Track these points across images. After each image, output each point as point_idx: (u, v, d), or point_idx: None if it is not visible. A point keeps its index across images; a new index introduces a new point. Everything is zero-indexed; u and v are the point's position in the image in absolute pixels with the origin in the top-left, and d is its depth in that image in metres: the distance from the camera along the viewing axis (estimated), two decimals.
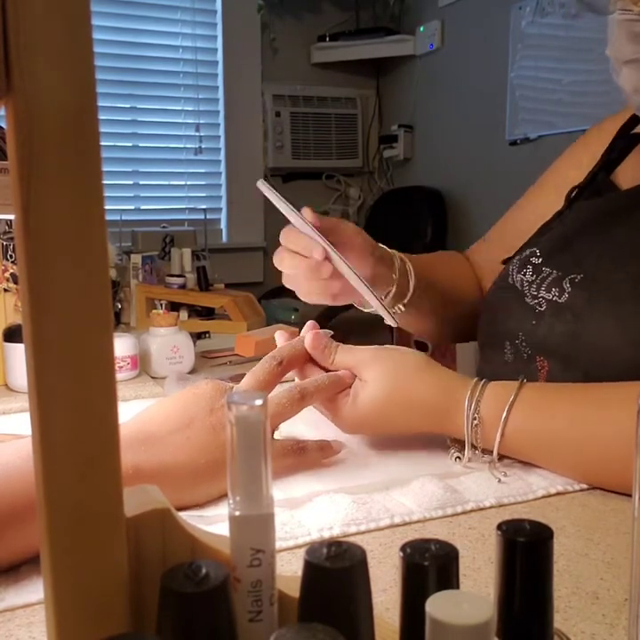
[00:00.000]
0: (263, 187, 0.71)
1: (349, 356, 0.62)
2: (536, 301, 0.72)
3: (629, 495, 0.30)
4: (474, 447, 0.59)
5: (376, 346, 0.65)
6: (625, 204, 0.73)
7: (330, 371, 0.63)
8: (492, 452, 0.58)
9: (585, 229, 0.73)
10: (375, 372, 0.61)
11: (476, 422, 0.58)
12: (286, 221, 0.73)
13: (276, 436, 0.62)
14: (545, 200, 0.85)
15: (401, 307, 0.80)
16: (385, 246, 0.80)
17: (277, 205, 0.70)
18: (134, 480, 0.47)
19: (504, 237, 0.92)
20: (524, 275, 0.75)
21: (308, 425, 0.67)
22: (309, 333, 0.64)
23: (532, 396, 0.58)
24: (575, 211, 0.78)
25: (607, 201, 0.76)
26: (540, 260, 0.74)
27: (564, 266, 0.71)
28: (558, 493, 0.56)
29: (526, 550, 0.28)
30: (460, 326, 0.91)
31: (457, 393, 0.59)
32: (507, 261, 0.82)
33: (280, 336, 0.68)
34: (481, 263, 0.96)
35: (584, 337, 0.66)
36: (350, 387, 0.62)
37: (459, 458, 0.60)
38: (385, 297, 0.78)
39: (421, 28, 2.92)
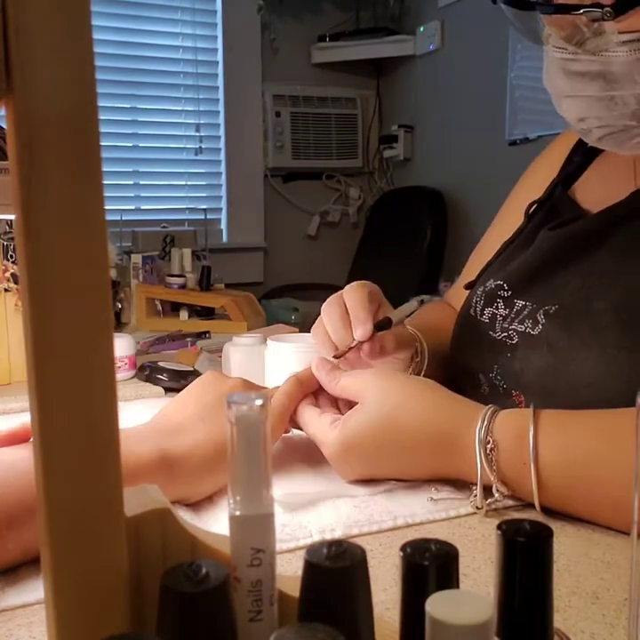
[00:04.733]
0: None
1: (352, 379, 0.59)
2: (505, 334, 0.69)
3: None
4: (486, 487, 0.53)
5: (382, 369, 0.63)
6: (596, 231, 0.68)
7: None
8: (502, 489, 0.52)
9: (555, 259, 0.70)
10: (374, 394, 0.57)
11: (490, 446, 0.52)
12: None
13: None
14: (508, 228, 0.81)
15: None
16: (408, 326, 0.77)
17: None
18: (161, 466, 0.50)
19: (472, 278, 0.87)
20: (497, 309, 0.72)
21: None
22: (317, 356, 0.63)
23: (554, 420, 0.52)
24: (541, 240, 0.74)
25: (575, 229, 0.71)
26: (510, 292, 0.72)
27: (538, 297, 0.68)
28: None
29: (526, 550, 0.28)
30: None
31: (467, 420, 0.54)
32: (470, 286, 0.80)
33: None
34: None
35: (563, 369, 0.63)
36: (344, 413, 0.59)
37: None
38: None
39: (421, 29, 2.92)
